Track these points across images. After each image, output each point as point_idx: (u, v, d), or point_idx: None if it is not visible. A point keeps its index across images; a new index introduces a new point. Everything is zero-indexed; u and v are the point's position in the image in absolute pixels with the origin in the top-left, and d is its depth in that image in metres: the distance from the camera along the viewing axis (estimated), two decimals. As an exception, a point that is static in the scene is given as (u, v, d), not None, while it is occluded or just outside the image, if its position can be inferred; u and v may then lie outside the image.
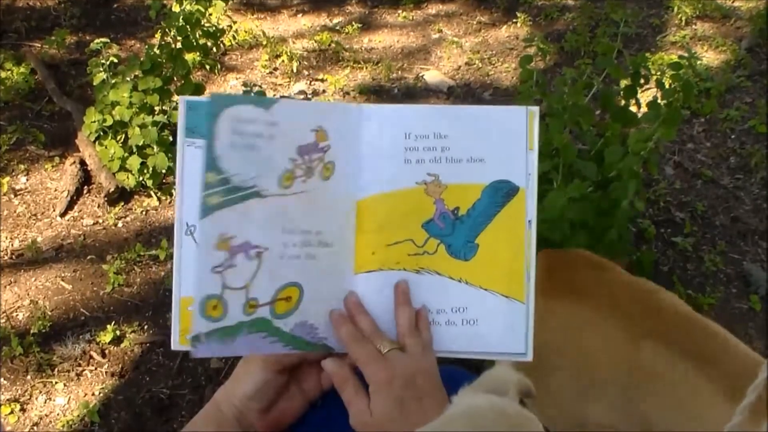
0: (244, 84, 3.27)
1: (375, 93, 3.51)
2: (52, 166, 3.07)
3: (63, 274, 2.63)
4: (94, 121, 2.88)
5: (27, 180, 3.03)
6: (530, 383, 0.82)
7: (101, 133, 2.92)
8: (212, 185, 0.91)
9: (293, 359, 0.99)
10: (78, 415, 2.18)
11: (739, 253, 2.58)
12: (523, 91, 2.30)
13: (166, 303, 2.46)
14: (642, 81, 2.27)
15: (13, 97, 3.40)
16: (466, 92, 3.49)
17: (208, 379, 2.27)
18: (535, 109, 1.02)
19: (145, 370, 2.32)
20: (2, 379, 2.28)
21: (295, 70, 3.64)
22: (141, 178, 2.87)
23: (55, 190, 2.97)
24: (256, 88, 3.21)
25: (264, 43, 3.83)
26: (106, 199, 2.88)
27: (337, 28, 4.03)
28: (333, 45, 3.83)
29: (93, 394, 2.25)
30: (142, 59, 2.86)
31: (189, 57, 3.13)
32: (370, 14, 4.16)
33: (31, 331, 2.39)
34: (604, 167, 2.16)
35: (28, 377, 2.29)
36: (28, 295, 2.55)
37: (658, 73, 3.26)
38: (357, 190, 1.01)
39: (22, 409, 2.21)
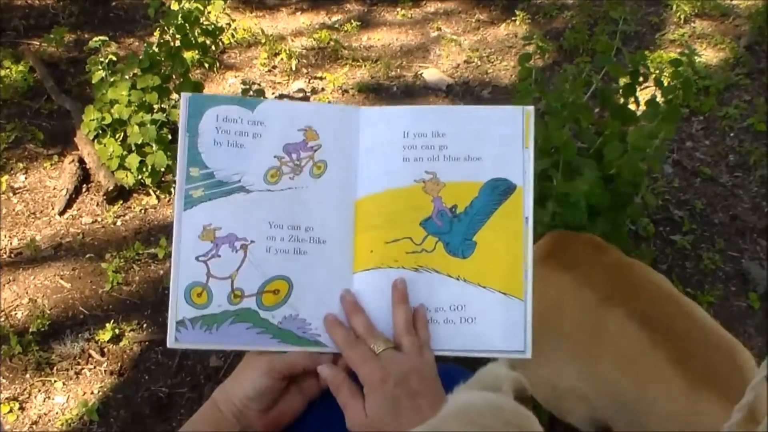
0: (243, 82, 3.26)
1: (374, 91, 3.51)
2: (51, 165, 3.07)
3: (62, 273, 2.63)
4: (93, 120, 2.88)
5: (26, 178, 3.02)
6: (525, 380, 0.82)
7: (100, 132, 2.92)
8: (195, 179, 0.99)
9: (296, 369, 0.99)
10: (77, 414, 2.18)
11: (737, 251, 2.58)
12: (521, 89, 2.30)
13: (165, 301, 2.45)
14: (641, 79, 2.27)
15: (11, 96, 3.40)
16: (465, 90, 3.49)
17: (207, 378, 2.27)
18: (531, 108, 1.03)
19: (144, 368, 2.32)
20: (1, 378, 2.28)
21: (294, 69, 3.63)
22: (140, 177, 2.87)
23: (54, 189, 2.97)
24: (255, 87, 3.21)
25: (263, 41, 3.83)
26: (104, 197, 2.88)
27: (336, 26, 4.02)
28: (332, 43, 3.82)
29: (92, 393, 2.25)
30: (140, 57, 2.86)
31: (188, 55, 3.13)
32: (368, 12, 4.16)
33: (30, 330, 2.39)
34: (604, 164, 2.16)
35: (27, 376, 2.29)
36: (27, 293, 2.55)
37: (657, 71, 3.27)
38: (355, 188, 1.03)
39: (21, 408, 2.21)
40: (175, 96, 2.95)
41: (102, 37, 2.93)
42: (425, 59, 3.73)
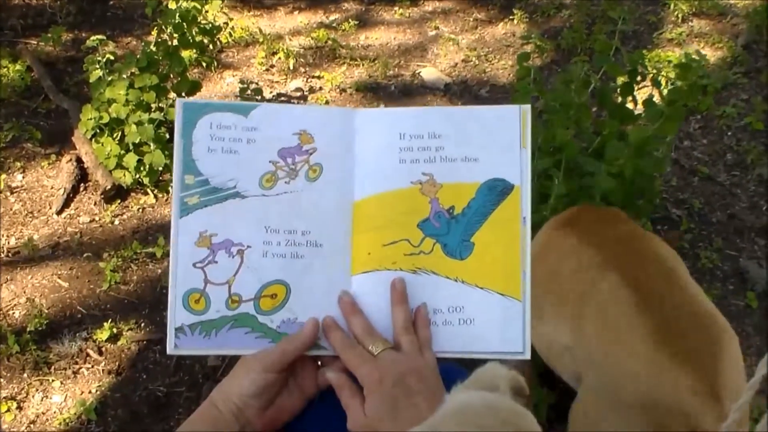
0: (241, 81, 3.26)
1: (372, 90, 3.50)
2: (49, 164, 3.07)
3: (59, 272, 2.62)
4: (91, 119, 2.88)
5: (23, 177, 3.02)
6: (522, 380, 0.82)
7: (98, 131, 2.92)
8: (190, 186, 1.00)
9: (288, 357, 0.99)
10: (75, 413, 2.18)
11: (735, 250, 2.58)
12: (520, 89, 2.30)
13: (162, 301, 2.45)
14: (639, 78, 2.27)
15: (9, 95, 3.39)
16: (462, 89, 3.49)
17: (205, 377, 2.27)
18: (528, 107, 1.03)
19: (142, 367, 2.32)
20: (-1, 377, 2.28)
21: (291, 68, 3.63)
22: (137, 176, 2.87)
23: (52, 188, 2.96)
24: (253, 86, 3.21)
25: (260, 40, 3.83)
26: (102, 196, 2.88)
27: (334, 25, 4.02)
28: (330, 42, 3.82)
29: (90, 392, 2.25)
30: (138, 56, 2.86)
31: (185, 54, 3.13)
32: (366, 11, 4.16)
33: (28, 329, 2.38)
34: (605, 163, 2.17)
35: (25, 375, 2.28)
36: (24, 292, 2.55)
37: (654, 71, 3.27)
38: (352, 191, 1.03)
39: (19, 407, 2.21)
40: (172, 95, 2.95)
41: (99, 36, 2.93)
42: (423, 58, 3.73)
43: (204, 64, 3.48)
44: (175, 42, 2.95)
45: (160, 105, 2.91)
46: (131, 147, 2.84)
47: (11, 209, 2.88)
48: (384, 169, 1.03)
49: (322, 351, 1.01)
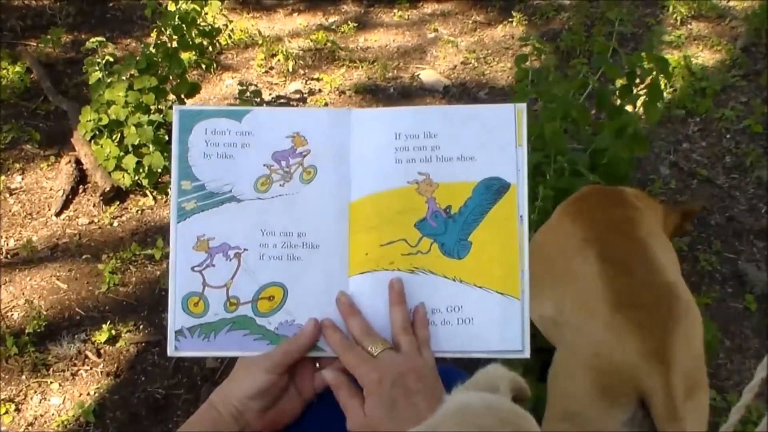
0: (240, 83, 3.26)
1: (371, 92, 3.51)
2: (48, 165, 3.07)
3: (58, 274, 2.62)
4: (90, 120, 2.88)
5: (22, 179, 3.02)
6: (523, 381, 0.82)
7: (97, 132, 2.92)
8: (187, 192, 1.02)
9: (291, 356, 0.99)
10: (73, 415, 2.18)
11: (734, 253, 2.58)
12: (518, 90, 2.31)
13: (161, 303, 2.45)
14: (637, 80, 2.28)
15: (8, 96, 3.39)
16: (461, 92, 3.49)
17: (203, 379, 2.26)
18: (523, 105, 1.03)
19: (140, 369, 2.32)
20: (-3, 379, 2.28)
21: (290, 70, 3.63)
22: (137, 178, 2.87)
23: (51, 190, 2.96)
24: (252, 88, 3.21)
25: (260, 42, 3.83)
26: (101, 198, 2.88)
27: (333, 27, 4.02)
28: (329, 44, 3.82)
29: (88, 394, 2.25)
30: (137, 58, 2.86)
31: (185, 56, 3.14)
32: (365, 13, 4.16)
33: (27, 331, 2.38)
34: (596, 154, 2.18)
35: (23, 377, 2.28)
36: (23, 294, 2.55)
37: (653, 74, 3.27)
38: (349, 191, 1.04)
39: (17, 409, 2.21)
40: (172, 97, 2.95)
41: (99, 38, 2.93)
42: (422, 60, 3.73)
43: (203, 66, 3.48)
44: (175, 44, 2.95)
45: (159, 107, 2.91)
46: (130, 149, 2.84)
47: (10, 211, 2.88)
48: (380, 169, 1.03)
49: (321, 353, 1.01)
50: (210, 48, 3.53)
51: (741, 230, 2.67)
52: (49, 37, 3.64)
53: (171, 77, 2.95)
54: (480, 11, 4.10)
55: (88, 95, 3.04)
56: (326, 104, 3.41)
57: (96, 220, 2.84)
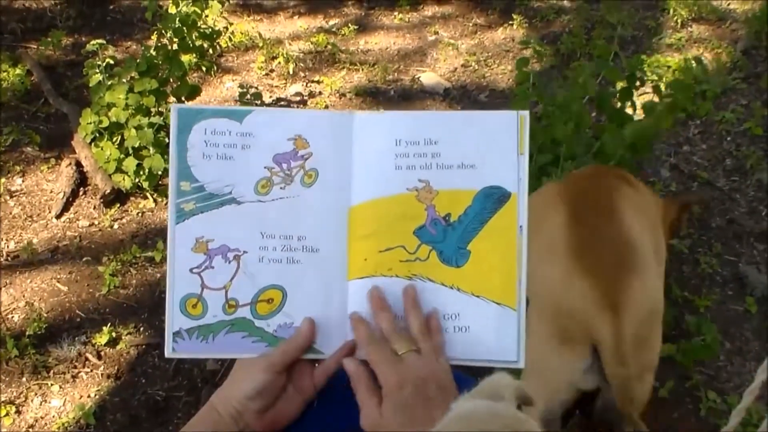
0: (240, 86, 3.26)
1: (371, 95, 3.51)
2: (48, 168, 3.07)
3: (58, 276, 2.62)
4: (90, 123, 2.88)
5: (23, 181, 3.02)
6: (527, 389, 0.82)
7: (97, 135, 2.92)
8: (186, 193, 1.01)
9: (290, 356, 0.99)
10: (73, 417, 2.18)
11: (734, 255, 2.58)
12: (519, 93, 2.31)
13: (162, 305, 2.42)
14: (638, 83, 2.28)
15: (9, 99, 3.40)
16: (462, 94, 3.49)
17: (204, 381, 2.26)
18: (526, 113, 1.02)
19: (140, 371, 2.32)
20: (-3, 381, 2.28)
21: (291, 72, 3.63)
22: (137, 180, 2.87)
23: (51, 192, 2.96)
24: (252, 90, 3.21)
25: (260, 44, 3.83)
26: (101, 200, 2.88)
27: (334, 29, 4.03)
28: (329, 47, 3.83)
29: (88, 396, 2.24)
30: (138, 61, 2.86)
31: (185, 58, 3.13)
32: (366, 16, 4.16)
33: (27, 333, 2.38)
34: (598, 157, 2.18)
35: (24, 379, 2.28)
36: (23, 296, 2.55)
37: (654, 76, 3.27)
38: (349, 196, 1.03)
39: (18, 411, 2.21)
40: (172, 99, 2.95)
41: (99, 41, 2.93)
42: (423, 63, 3.73)
43: (204, 69, 3.48)
44: (175, 46, 2.95)
45: (159, 109, 2.91)
46: (131, 151, 2.84)
47: (11, 213, 2.88)
48: (380, 174, 1.03)
49: (318, 355, 1.02)
50: (210, 50, 3.53)
51: (741, 233, 2.67)
52: (49, 39, 3.64)
53: (171, 80, 2.95)
54: (480, 14, 4.10)
55: (89, 98, 3.04)
56: (326, 107, 3.41)
57: (96, 222, 2.84)
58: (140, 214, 2.87)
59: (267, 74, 3.67)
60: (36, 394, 2.25)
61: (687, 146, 3.06)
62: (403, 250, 1.01)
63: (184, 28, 2.95)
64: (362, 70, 3.67)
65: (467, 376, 1.06)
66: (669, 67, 3.39)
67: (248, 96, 3.16)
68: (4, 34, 3.85)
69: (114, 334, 2.40)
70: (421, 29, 4.01)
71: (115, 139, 2.89)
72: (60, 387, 2.27)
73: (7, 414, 2.19)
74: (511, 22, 3.95)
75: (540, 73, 3.37)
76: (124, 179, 2.87)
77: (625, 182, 1.87)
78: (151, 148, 2.83)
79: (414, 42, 3.90)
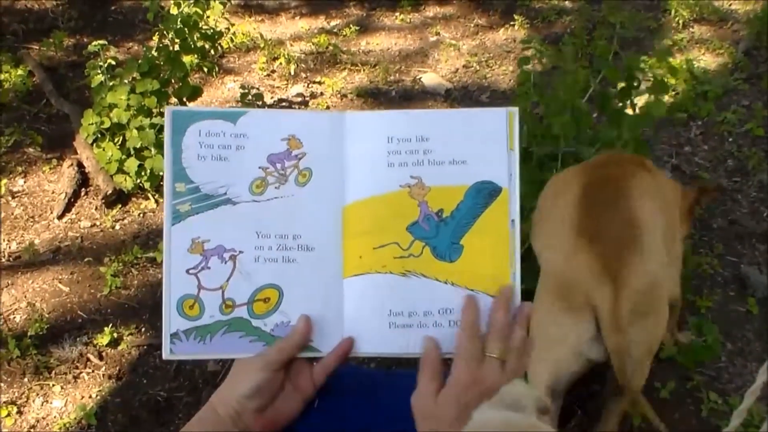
0: (242, 87, 3.27)
1: (372, 95, 3.51)
2: (50, 169, 3.07)
3: (60, 277, 2.63)
4: (92, 124, 2.89)
5: (24, 182, 3.03)
6: (548, 401, 0.82)
7: (99, 136, 2.93)
8: (181, 194, 1.02)
9: (285, 353, 0.99)
10: (75, 418, 2.18)
11: (736, 256, 2.58)
12: (521, 93, 2.31)
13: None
14: (636, 84, 2.27)
15: (10, 100, 3.40)
16: (463, 95, 3.49)
17: (205, 382, 2.27)
18: (515, 109, 1.03)
19: (142, 372, 2.32)
20: (0, 382, 2.28)
21: (292, 73, 3.64)
22: (138, 181, 2.87)
23: (53, 193, 2.97)
24: (254, 91, 3.22)
25: (262, 45, 3.83)
26: (103, 201, 2.88)
27: (335, 30, 4.03)
28: (330, 47, 3.83)
29: (90, 397, 2.25)
30: (139, 61, 2.87)
31: (187, 59, 3.14)
32: (367, 17, 4.17)
33: (29, 334, 2.39)
34: (601, 147, 2.20)
35: (25, 380, 2.29)
36: (25, 297, 2.55)
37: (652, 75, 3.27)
38: (343, 195, 1.04)
39: (19, 412, 2.21)
40: (174, 100, 2.96)
41: (101, 41, 2.93)
42: (424, 64, 3.74)
43: (205, 70, 3.49)
44: (177, 47, 2.96)
45: (161, 110, 2.91)
46: (132, 152, 2.85)
47: (12, 214, 2.88)
48: (373, 173, 1.04)
49: (315, 353, 1.02)
50: (212, 51, 3.53)
51: (743, 233, 2.66)
52: (51, 40, 3.65)
53: (173, 80, 2.95)
54: (482, 15, 4.10)
55: (91, 98, 3.05)
56: (328, 107, 3.41)
57: (98, 223, 2.84)
58: (142, 215, 2.87)
59: (268, 75, 3.68)
60: (37, 394, 2.25)
61: (688, 147, 3.06)
62: (396, 246, 1.02)
63: (186, 28, 2.95)
64: (363, 70, 3.67)
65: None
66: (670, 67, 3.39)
67: (249, 97, 3.17)
68: (6, 35, 3.86)
69: (115, 335, 2.40)
70: (423, 30, 4.01)
71: (116, 139, 2.89)
72: (61, 387, 2.27)
73: (8, 414, 2.19)
74: (512, 23, 3.96)
75: (541, 74, 3.37)
76: (125, 180, 2.87)
77: (642, 168, 1.91)
78: (152, 149, 2.83)
79: (415, 43, 3.91)
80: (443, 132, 1.03)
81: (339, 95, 3.51)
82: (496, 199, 1.01)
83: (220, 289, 1.01)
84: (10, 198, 2.94)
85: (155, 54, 2.91)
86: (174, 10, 2.95)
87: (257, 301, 1.02)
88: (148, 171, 2.84)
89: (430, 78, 3.58)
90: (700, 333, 2.27)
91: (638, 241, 1.65)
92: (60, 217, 2.86)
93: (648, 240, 1.67)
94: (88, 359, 2.35)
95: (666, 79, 2.25)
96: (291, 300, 1.02)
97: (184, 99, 2.94)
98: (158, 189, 2.92)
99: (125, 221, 2.85)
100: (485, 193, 1.02)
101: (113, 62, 2.93)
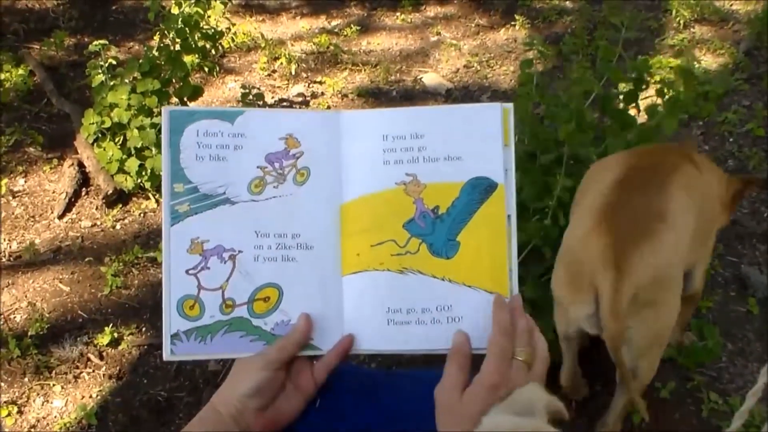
0: (243, 86, 3.27)
1: (373, 95, 3.51)
2: (51, 168, 3.07)
3: (61, 276, 2.63)
4: (93, 123, 2.89)
5: (25, 182, 3.03)
6: (561, 405, 0.82)
7: (100, 135, 2.93)
8: (180, 195, 1.02)
9: (286, 352, 0.99)
10: (75, 418, 2.18)
11: (737, 256, 2.58)
12: (521, 94, 2.30)
13: (164, 305, 2.45)
14: (645, 86, 2.27)
15: (11, 99, 3.40)
16: (464, 95, 3.49)
17: (205, 382, 2.26)
18: (510, 105, 1.03)
19: (142, 372, 2.32)
20: (0, 382, 2.28)
21: (293, 73, 3.64)
22: (139, 180, 2.87)
23: (53, 192, 2.97)
24: (255, 91, 3.22)
25: (263, 45, 3.83)
26: (104, 201, 2.88)
27: (336, 30, 4.03)
28: (331, 47, 3.83)
29: (90, 397, 2.25)
30: (140, 61, 2.87)
31: (188, 59, 3.14)
32: (368, 17, 4.16)
33: (29, 333, 2.39)
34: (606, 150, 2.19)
35: (26, 379, 2.29)
36: (25, 297, 2.55)
37: (657, 78, 3.27)
38: (340, 193, 1.05)
39: (20, 412, 2.21)
40: (175, 100, 2.96)
41: (102, 41, 2.93)
42: (425, 64, 3.74)
43: (206, 69, 3.49)
44: (178, 47, 2.95)
45: (162, 110, 2.91)
46: (133, 151, 2.85)
47: (13, 213, 2.88)
48: (369, 171, 1.04)
49: (315, 351, 1.02)
50: (213, 51, 3.53)
51: (743, 234, 2.66)
52: (52, 40, 3.65)
53: (174, 80, 2.95)
54: (483, 15, 4.10)
55: (91, 98, 3.04)
56: (329, 107, 3.41)
57: (98, 222, 2.84)
58: (142, 215, 2.87)
59: (269, 75, 3.68)
60: (38, 394, 2.26)
61: (689, 147, 3.06)
62: (393, 244, 1.02)
63: (187, 28, 2.95)
64: (364, 70, 3.67)
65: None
66: (671, 68, 3.38)
67: (250, 97, 3.17)
68: (7, 35, 3.86)
69: (116, 335, 2.40)
70: (424, 30, 4.01)
71: (117, 139, 2.89)
72: (62, 387, 2.27)
73: (9, 414, 2.19)
74: (513, 23, 3.95)
75: (542, 74, 3.37)
76: (126, 179, 2.87)
77: (688, 161, 1.91)
78: (153, 149, 2.83)
79: (416, 43, 3.91)
80: (438, 129, 1.04)
81: (340, 95, 3.51)
82: (492, 195, 1.02)
83: (220, 289, 1.01)
84: (10, 197, 2.94)
85: (156, 54, 2.91)
86: (175, 10, 2.95)
87: (257, 301, 1.02)
88: (149, 171, 2.84)
89: (430, 78, 3.58)
90: (700, 334, 2.26)
91: (656, 234, 1.66)
92: (60, 217, 2.86)
93: (667, 236, 1.67)
94: (89, 359, 2.35)
95: (679, 93, 2.24)
96: (291, 299, 1.02)
97: (185, 99, 2.94)
98: (159, 189, 2.91)
99: (126, 221, 2.85)
100: (481, 189, 1.02)
101: (114, 62, 2.93)
